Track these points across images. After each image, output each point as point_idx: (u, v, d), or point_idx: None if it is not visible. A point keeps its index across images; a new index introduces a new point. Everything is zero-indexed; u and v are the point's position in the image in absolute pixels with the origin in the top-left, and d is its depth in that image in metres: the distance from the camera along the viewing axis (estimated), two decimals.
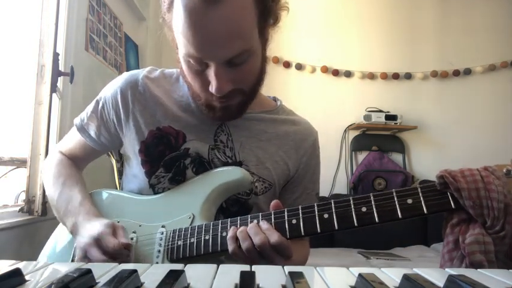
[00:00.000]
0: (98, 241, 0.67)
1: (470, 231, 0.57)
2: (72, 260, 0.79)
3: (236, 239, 0.63)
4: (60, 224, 0.86)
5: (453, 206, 0.57)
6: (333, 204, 0.62)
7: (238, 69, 0.68)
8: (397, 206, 0.59)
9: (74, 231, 0.76)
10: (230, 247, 0.63)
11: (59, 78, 1.61)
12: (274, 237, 0.61)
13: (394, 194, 0.60)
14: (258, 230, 0.62)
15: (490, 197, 0.55)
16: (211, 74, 0.67)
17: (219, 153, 0.81)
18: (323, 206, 0.63)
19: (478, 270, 0.44)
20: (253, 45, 0.68)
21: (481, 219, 0.56)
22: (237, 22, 0.63)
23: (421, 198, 0.58)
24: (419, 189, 0.59)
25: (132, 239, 0.75)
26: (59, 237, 0.87)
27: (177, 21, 0.65)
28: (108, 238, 0.67)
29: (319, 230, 0.62)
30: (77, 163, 0.93)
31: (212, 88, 0.68)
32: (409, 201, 0.58)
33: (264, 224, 0.64)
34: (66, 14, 1.70)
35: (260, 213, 0.67)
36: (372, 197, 0.61)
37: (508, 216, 0.55)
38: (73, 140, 0.92)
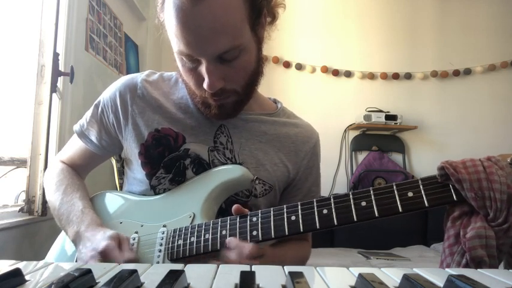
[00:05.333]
0: (102, 255, 0.67)
1: (471, 225, 0.55)
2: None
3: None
4: None
5: (455, 198, 0.56)
6: (332, 200, 0.62)
7: (230, 65, 0.68)
8: (398, 199, 0.57)
9: (76, 240, 0.75)
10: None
11: (59, 78, 1.62)
12: (246, 250, 0.63)
13: (395, 187, 0.59)
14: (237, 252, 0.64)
15: (492, 188, 0.53)
16: (203, 70, 0.68)
17: (219, 154, 0.80)
18: (322, 202, 0.63)
19: (478, 270, 0.44)
20: (243, 42, 0.68)
21: (484, 211, 0.54)
22: (223, 17, 0.63)
23: (422, 191, 0.57)
24: (420, 182, 0.57)
25: (134, 239, 0.75)
26: (65, 241, 0.86)
27: (168, 20, 0.67)
28: (114, 253, 0.67)
29: (318, 226, 0.61)
30: (78, 171, 0.92)
31: (204, 84, 0.69)
32: (410, 194, 0.57)
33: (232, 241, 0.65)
34: (66, 14, 1.71)
35: (260, 211, 0.67)
36: (371, 191, 0.60)
37: (511, 208, 0.53)
38: (73, 148, 0.92)
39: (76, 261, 0.79)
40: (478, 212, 0.55)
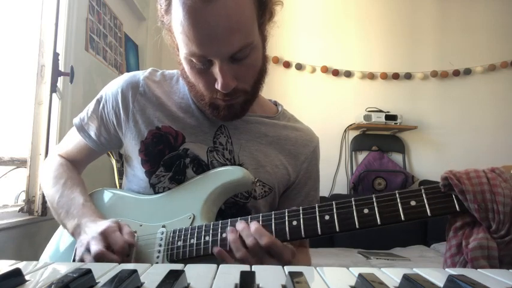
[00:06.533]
0: (103, 235, 0.67)
1: (474, 236, 0.55)
2: (74, 261, 0.79)
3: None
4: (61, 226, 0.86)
5: (458, 209, 0.55)
6: (334, 206, 0.61)
7: (241, 64, 0.68)
8: (400, 208, 0.57)
9: (76, 232, 0.75)
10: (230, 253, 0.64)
11: (59, 78, 1.62)
12: (263, 239, 0.61)
13: (397, 195, 0.58)
14: (248, 232, 0.62)
15: (495, 200, 0.53)
16: (215, 71, 0.66)
17: (218, 155, 0.80)
18: (324, 207, 0.62)
19: (478, 270, 0.44)
20: (254, 39, 0.67)
21: (486, 223, 0.54)
22: (236, 16, 0.63)
23: (425, 200, 0.56)
24: (422, 191, 0.57)
25: None
26: (61, 238, 0.87)
27: (177, 21, 0.65)
28: (115, 234, 0.68)
29: (319, 232, 0.61)
30: (75, 165, 0.92)
31: (218, 85, 0.67)
32: (413, 203, 0.57)
33: (252, 225, 0.63)
34: (66, 14, 1.71)
35: (261, 214, 0.67)
36: (374, 199, 0.59)
37: None
38: (72, 141, 0.92)
39: (75, 254, 0.79)
40: (480, 223, 0.55)
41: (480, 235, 0.54)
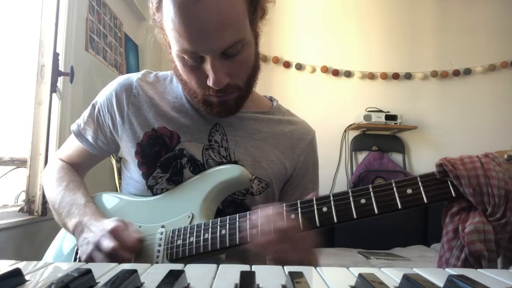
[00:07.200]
0: (113, 233, 0.67)
1: (470, 220, 0.56)
2: (75, 260, 0.79)
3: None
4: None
5: (453, 194, 0.56)
6: (331, 198, 0.62)
7: (234, 61, 0.68)
8: (397, 196, 0.58)
9: (77, 230, 0.75)
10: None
11: (59, 78, 1.62)
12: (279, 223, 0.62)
13: (394, 184, 0.59)
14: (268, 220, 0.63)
15: (490, 183, 0.54)
16: (207, 67, 0.67)
17: (214, 153, 0.80)
18: (322, 200, 0.63)
19: (478, 270, 0.44)
20: (245, 35, 0.67)
21: (482, 207, 0.55)
22: (228, 11, 0.63)
23: (421, 187, 0.57)
24: (418, 179, 0.58)
25: None
26: (64, 239, 0.87)
27: (168, 18, 0.65)
28: (126, 232, 0.69)
29: (318, 224, 0.61)
30: (76, 169, 0.93)
31: (210, 82, 0.67)
32: (409, 191, 0.58)
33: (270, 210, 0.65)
34: (66, 14, 1.71)
35: (259, 209, 0.67)
36: (370, 189, 0.60)
37: (509, 203, 0.54)
38: (71, 147, 0.92)
39: (77, 253, 0.79)
40: (476, 208, 0.56)
41: (476, 219, 0.55)
